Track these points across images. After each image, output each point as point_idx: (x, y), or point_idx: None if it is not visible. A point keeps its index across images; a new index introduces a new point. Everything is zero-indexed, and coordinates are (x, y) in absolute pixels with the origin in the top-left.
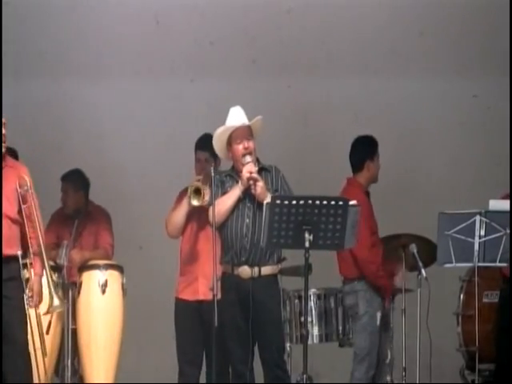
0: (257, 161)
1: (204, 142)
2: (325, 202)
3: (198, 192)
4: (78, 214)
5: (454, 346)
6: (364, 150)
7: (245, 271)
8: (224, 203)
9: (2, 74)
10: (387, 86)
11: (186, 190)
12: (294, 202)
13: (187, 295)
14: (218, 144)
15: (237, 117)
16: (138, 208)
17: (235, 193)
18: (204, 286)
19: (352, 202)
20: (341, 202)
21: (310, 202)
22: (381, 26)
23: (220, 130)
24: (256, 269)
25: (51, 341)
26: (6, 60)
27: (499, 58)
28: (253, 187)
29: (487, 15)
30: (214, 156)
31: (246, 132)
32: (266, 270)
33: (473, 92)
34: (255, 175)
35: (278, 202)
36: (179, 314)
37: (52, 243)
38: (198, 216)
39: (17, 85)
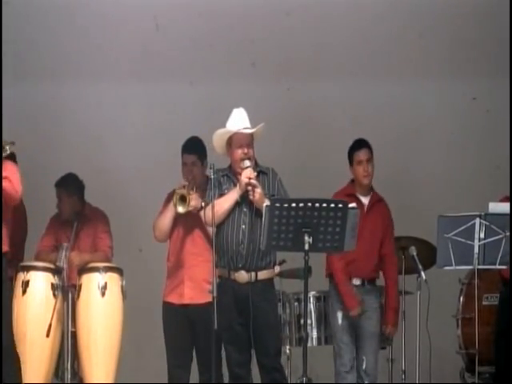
0: (255, 164)
1: (190, 146)
2: (324, 205)
3: (183, 199)
4: (76, 216)
5: (454, 349)
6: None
7: (241, 276)
8: (221, 205)
9: (1, 75)
10: (386, 89)
11: (173, 193)
12: (294, 205)
13: (173, 299)
14: (219, 142)
15: (240, 120)
16: (137, 210)
17: (232, 196)
18: (190, 290)
19: (351, 205)
20: (340, 205)
21: (309, 204)
22: (379, 29)
23: (221, 131)
24: (253, 274)
25: (51, 343)
26: (6, 60)
27: (499, 60)
28: (251, 193)
29: (487, 17)
30: (201, 159)
31: (247, 138)
32: (263, 274)
33: (472, 95)
34: (254, 181)
35: (278, 204)
36: (166, 318)
37: (51, 246)
38: (185, 220)
39: (16, 85)
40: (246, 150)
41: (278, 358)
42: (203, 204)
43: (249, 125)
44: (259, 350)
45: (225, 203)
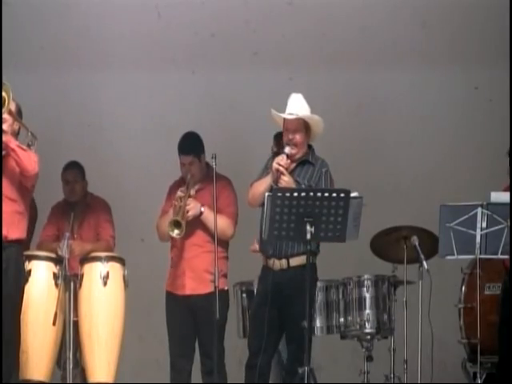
0: (307, 152)
1: (186, 146)
2: (326, 194)
3: (177, 224)
4: (73, 207)
5: (456, 338)
6: None
7: (274, 263)
8: (257, 188)
9: (1, 68)
10: (389, 78)
11: (176, 185)
12: (296, 194)
13: (175, 289)
14: (277, 120)
15: (290, 105)
16: (139, 200)
17: (267, 180)
18: (191, 280)
19: (354, 194)
20: (342, 194)
21: (311, 194)
22: (382, 18)
23: (272, 112)
24: (284, 261)
25: (53, 333)
26: (7, 52)
27: (501, 50)
28: (278, 180)
29: (490, 6)
30: (198, 156)
31: (293, 124)
32: (295, 261)
33: (474, 84)
34: (282, 169)
35: (280, 194)
36: (169, 308)
37: (53, 235)
38: None
39: (17, 77)
40: (290, 136)
41: (301, 348)
42: (202, 209)
43: (300, 111)
44: (286, 338)
45: (260, 186)
